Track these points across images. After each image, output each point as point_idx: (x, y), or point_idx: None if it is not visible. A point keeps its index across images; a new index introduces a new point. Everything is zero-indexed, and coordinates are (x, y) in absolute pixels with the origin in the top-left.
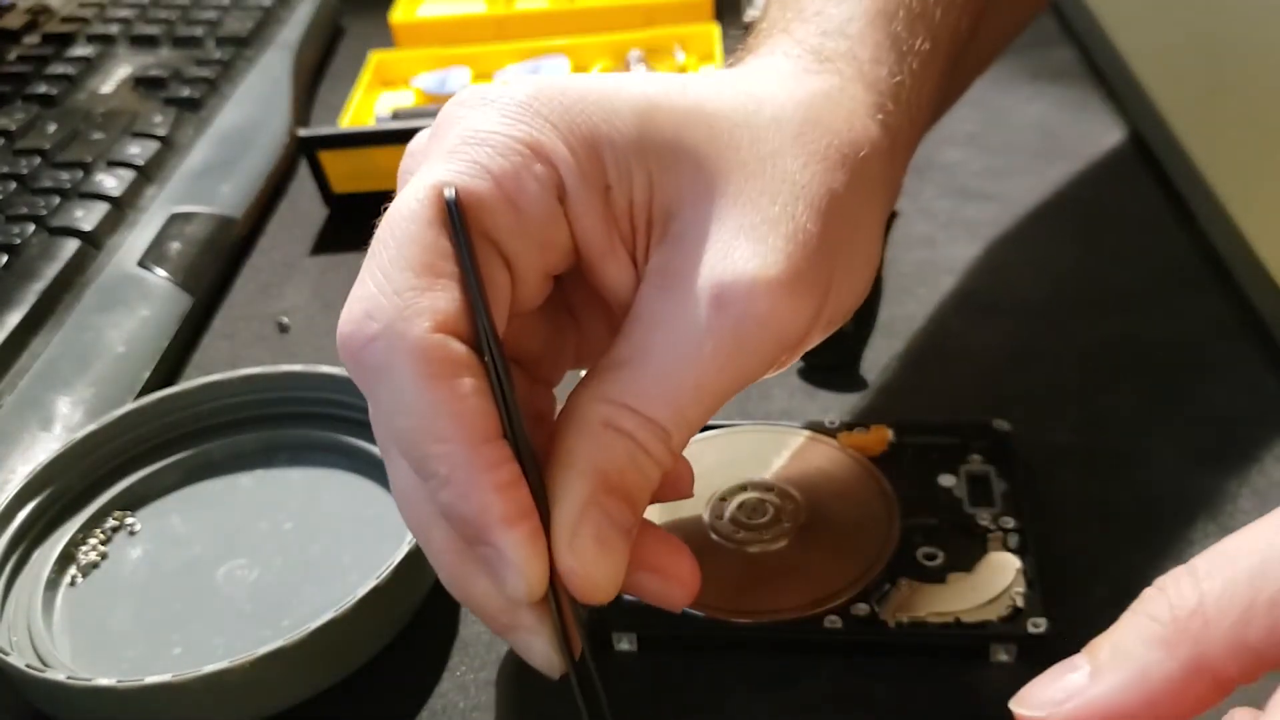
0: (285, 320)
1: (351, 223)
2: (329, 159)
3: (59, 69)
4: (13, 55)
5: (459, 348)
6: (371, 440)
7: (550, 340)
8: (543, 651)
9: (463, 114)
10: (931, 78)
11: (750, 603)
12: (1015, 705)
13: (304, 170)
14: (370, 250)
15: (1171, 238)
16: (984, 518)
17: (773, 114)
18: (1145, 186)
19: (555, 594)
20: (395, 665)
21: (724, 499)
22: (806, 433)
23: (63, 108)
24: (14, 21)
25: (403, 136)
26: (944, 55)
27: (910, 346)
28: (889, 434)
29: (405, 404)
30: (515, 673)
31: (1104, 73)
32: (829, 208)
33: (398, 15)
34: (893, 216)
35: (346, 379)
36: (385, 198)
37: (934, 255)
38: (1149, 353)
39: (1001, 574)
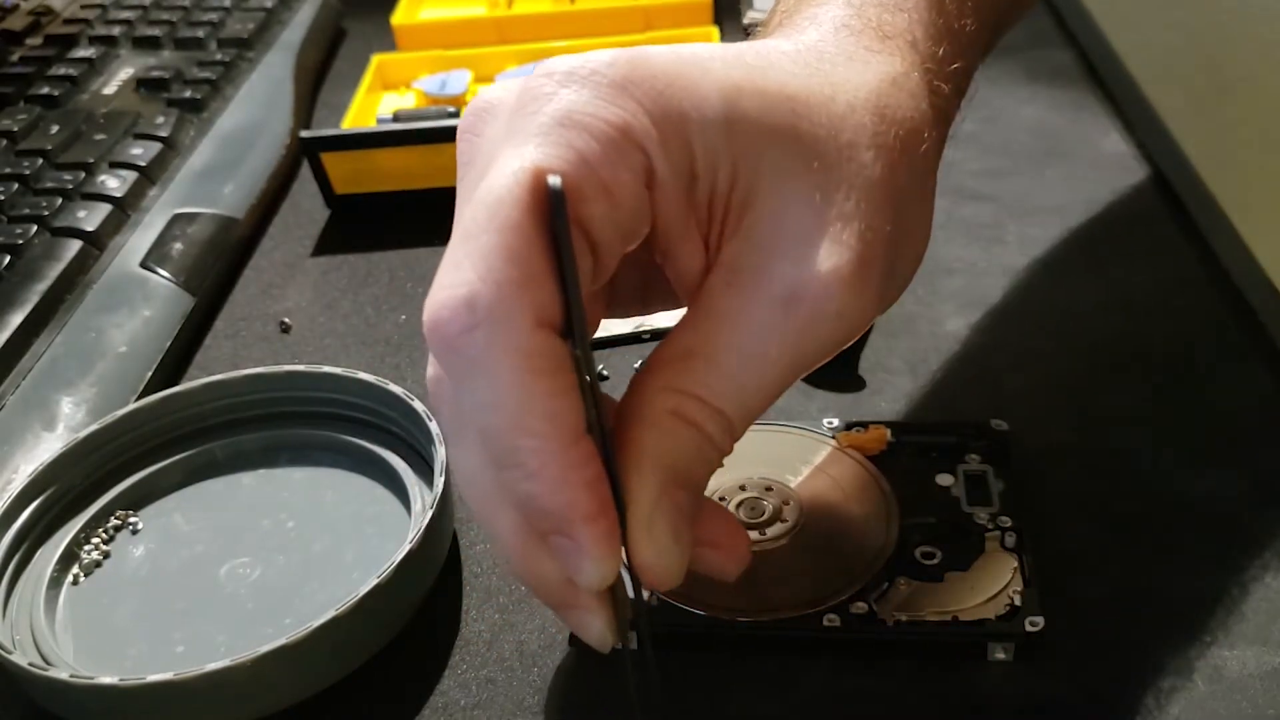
0: (287, 320)
1: (353, 224)
2: (331, 160)
3: (61, 70)
4: (15, 56)
5: (558, 345)
6: (373, 440)
7: (588, 300)
8: (599, 629)
9: (552, 90)
10: (973, 58)
11: (749, 601)
12: None
13: (306, 171)
14: (464, 231)
15: (1168, 238)
16: (981, 517)
17: (848, 101)
18: (1142, 187)
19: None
20: (397, 663)
21: (723, 498)
22: (805, 432)
23: (65, 109)
24: (17, 23)
25: (404, 138)
26: (986, 37)
27: (909, 346)
28: (887, 433)
29: (500, 398)
30: (516, 670)
31: (1101, 74)
32: (895, 202)
33: (399, 18)
34: None
35: (348, 378)
36: (386, 199)
37: (933, 255)
38: (1147, 352)
39: (999, 572)
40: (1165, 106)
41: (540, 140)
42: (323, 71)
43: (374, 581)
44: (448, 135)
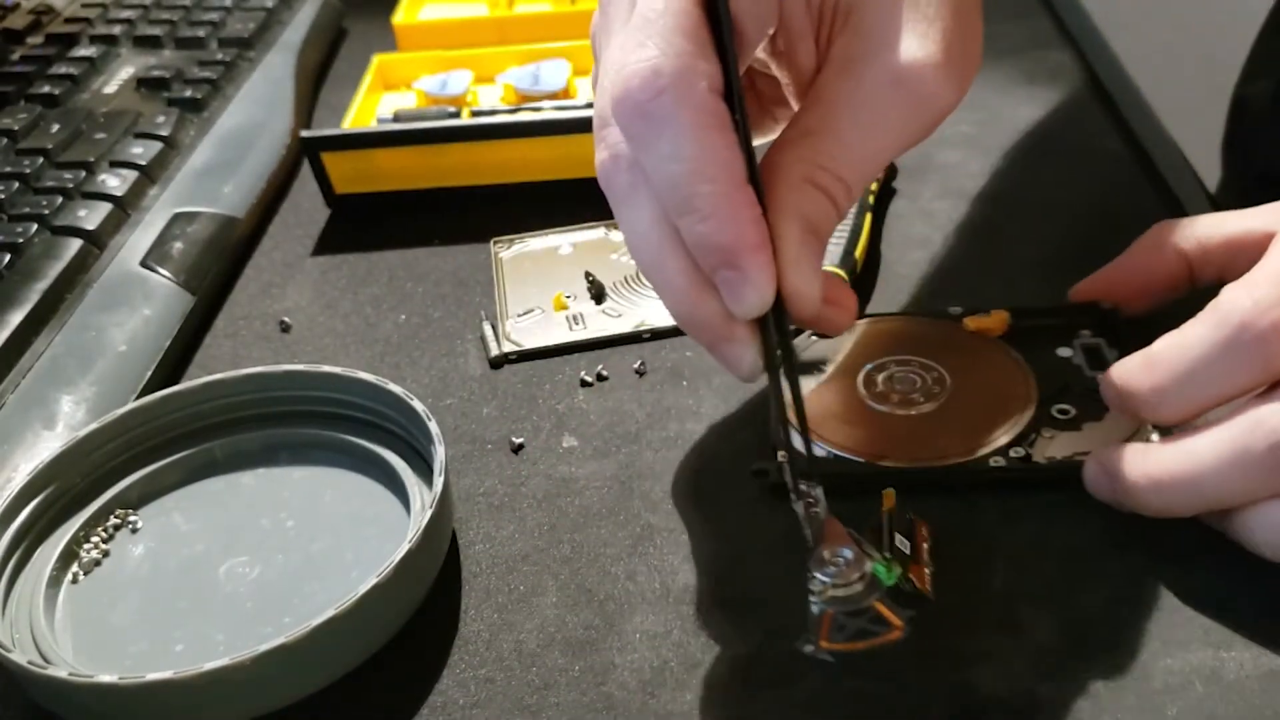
0: (287, 320)
1: (353, 223)
2: (331, 160)
3: (62, 69)
4: (16, 55)
5: (724, 108)
6: (372, 439)
7: None
8: (751, 358)
9: None
10: None
11: (914, 452)
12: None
13: (306, 171)
14: (640, 20)
15: None
16: None
17: None
18: (1141, 187)
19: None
20: (396, 663)
21: (874, 372)
22: (935, 319)
23: (66, 108)
24: (17, 22)
25: (405, 138)
26: None
27: None
28: (1007, 316)
29: (683, 150)
30: (515, 669)
31: (1100, 75)
32: (960, 14)
33: (400, 18)
34: (890, 195)
35: (348, 378)
36: (387, 199)
37: (932, 256)
38: None
39: (1130, 422)
40: (1164, 107)
41: None
42: (323, 71)
43: (373, 581)
44: (448, 135)
